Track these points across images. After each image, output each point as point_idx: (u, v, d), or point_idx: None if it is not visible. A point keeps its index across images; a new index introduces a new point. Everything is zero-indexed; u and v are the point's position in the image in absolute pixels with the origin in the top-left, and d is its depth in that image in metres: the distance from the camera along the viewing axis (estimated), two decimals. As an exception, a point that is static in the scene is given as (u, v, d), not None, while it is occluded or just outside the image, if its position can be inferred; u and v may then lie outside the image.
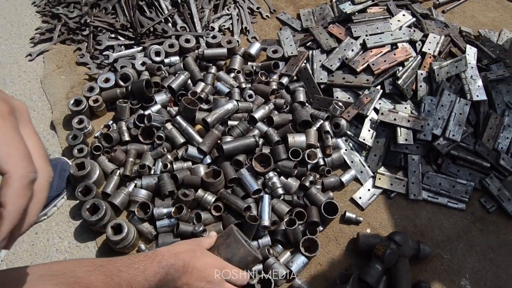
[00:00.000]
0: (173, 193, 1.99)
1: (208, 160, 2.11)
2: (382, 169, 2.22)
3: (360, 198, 2.15)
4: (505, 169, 2.25)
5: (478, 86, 2.38)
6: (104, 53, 2.54)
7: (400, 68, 2.43)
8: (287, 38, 2.65)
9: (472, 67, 2.44)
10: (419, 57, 2.47)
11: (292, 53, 2.57)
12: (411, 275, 1.88)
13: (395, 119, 2.22)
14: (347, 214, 2.07)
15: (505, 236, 2.13)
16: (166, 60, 2.49)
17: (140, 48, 2.59)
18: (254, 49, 2.59)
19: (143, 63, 2.45)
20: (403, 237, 1.91)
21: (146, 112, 2.19)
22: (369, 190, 2.17)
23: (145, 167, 2.05)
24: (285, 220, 1.91)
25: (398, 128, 2.20)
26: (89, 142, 2.22)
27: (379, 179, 2.19)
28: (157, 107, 2.27)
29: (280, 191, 2.01)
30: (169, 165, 2.07)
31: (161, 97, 2.30)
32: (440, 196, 2.19)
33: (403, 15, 2.68)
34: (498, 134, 2.34)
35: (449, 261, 2.04)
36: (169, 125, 2.19)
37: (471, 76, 2.41)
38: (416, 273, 1.98)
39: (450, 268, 2.02)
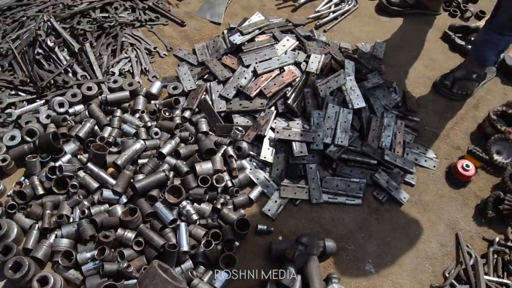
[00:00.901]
0: (94, 236, 2.08)
1: (124, 199, 2.23)
2: (285, 181, 2.47)
3: (269, 210, 2.38)
4: (390, 163, 2.60)
5: (358, 95, 2.73)
6: (6, 111, 2.54)
7: (289, 88, 2.71)
8: (185, 74, 2.85)
9: (351, 79, 2.79)
10: (304, 76, 2.77)
11: (191, 87, 2.77)
12: (321, 271, 2.13)
13: (289, 135, 2.49)
14: (259, 226, 2.28)
15: (398, 220, 2.46)
16: (71, 110, 2.56)
17: (43, 101, 2.63)
18: (155, 88, 2.74)
19: (48, 116, 2.51)
20: (309, 238, 2.16)
21: (57, 164, 2.26)
22: (276, 201, 2.41)
23: (63, 216, 2.12)
24: (203, 242, 2.08)
25: (293, 143, 2.47)
26: (2, 202, 2.24)
27: (284, 190, 2.43)
28: (67, 157, 2.34)
29: (195, 217, 2.18)
30: (87, 211, 2.16)
31: (70, 147, 2.37)
32: (338, 196, 2.48)
33: (287, 39, 2.99)
34: (381, 134, 2.69)
35: (354, 251, 2.32)
36: (81, 173, 2.27)
37: (351, 87, 2.75)
38: (326, 267, 2.24)
39: (355, 257, 2.30)
